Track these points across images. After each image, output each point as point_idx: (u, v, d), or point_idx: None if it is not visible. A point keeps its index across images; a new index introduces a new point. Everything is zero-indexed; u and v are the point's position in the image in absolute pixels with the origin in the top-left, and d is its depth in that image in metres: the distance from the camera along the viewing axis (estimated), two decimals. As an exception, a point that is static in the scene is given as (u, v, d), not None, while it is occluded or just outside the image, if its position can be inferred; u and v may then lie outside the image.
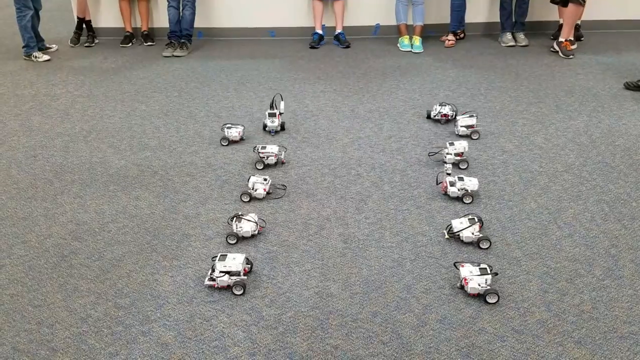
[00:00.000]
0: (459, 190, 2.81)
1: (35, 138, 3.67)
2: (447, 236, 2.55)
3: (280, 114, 3.62)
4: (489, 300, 2.15)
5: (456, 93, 4.28)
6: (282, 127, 3.64)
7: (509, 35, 5.48)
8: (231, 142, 3.51)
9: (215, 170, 3.19)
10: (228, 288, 2.24)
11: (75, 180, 3.13)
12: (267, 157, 3.19)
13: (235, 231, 2.55)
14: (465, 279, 2.19)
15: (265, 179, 2.90)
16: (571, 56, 4.99)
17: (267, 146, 3.21)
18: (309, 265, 2.39)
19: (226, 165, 3.24)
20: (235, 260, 2.26)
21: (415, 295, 2.21)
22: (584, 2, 4.95)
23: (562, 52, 5.05)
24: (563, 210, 2.75)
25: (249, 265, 2.34)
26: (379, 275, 2.32)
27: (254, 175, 2.93)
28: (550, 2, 5.18)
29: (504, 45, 5.45)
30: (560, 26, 5.53)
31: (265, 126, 3.65)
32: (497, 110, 3.96)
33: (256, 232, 2.58)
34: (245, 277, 2.27)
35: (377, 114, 3.93)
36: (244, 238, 2.56)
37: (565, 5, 4.99)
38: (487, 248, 2.47)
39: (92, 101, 4.29)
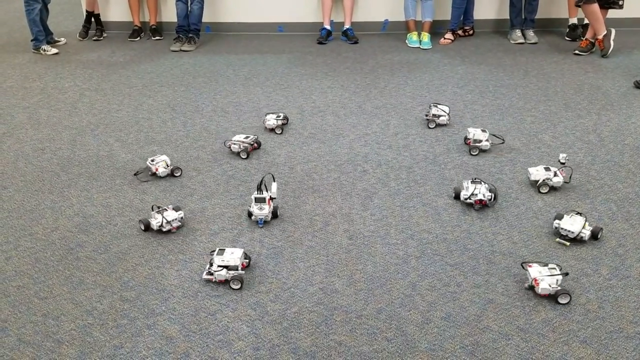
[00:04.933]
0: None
1: (42, 131, 3.69)
2: (563, 243, 2.46)
3: (272, 198, 2.68)
4: (561, 301, 2.11)
5: (464, 90, 4.26)
6: (275, 214, 2.68)
7: (518, 33, 5.44)
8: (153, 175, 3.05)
9: (222, 165, 3.19)
10: (226, 282, 2.24)
11: (82, 173, 3.14)
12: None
13: (148, 219, 2.59)
14: (536, 280, 2.14)
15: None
16: (607, 54, 4.90)
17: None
18: (314, 261, 2.39)
19: (232, 160, 3.24)
20: (233, 255, 2.26)
21: (420, 292, 2.21)
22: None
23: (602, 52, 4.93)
24: (570, 209, 2.72)
25: (247, 260, 2.34)
26: (383, 272, 2.32)
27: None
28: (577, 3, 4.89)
29: (513, 42, 5.42)
30: (573, 26, 5.47)
31: (250, 214, 2.66)
32: (506, 107, 3.93)
33: (165, 228, 2.57)
34: (243, 272, 2.27)
35: (384, 111, 3.92)
36: (151, 229, 2.59)
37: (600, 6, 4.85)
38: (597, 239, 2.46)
39: (99, 95, 4.31)
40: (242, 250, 2.31)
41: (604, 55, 4.89)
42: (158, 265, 2.38)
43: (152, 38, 5.79)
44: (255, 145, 3.32)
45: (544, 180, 2.84)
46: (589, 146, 3.35)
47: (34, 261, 2.43)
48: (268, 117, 3.62)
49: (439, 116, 3.61)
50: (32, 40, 5.33)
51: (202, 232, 2.59)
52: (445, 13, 5.60)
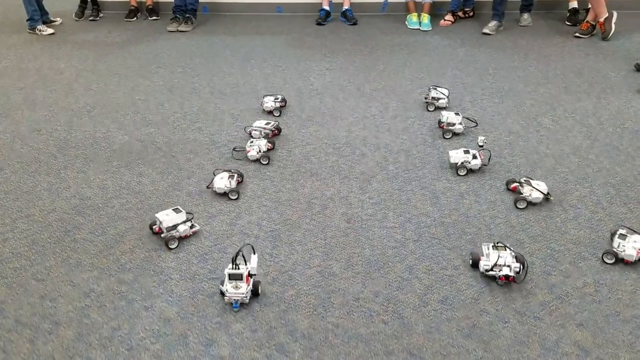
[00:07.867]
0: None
1: (39, 112, 3.66)
2: None
3: (251, 275, 2.07)
4: None
5: (464, 72, 4.23)
6: (256, 292, 2.09)
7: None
8: None
9: (219, 148, 3.18)
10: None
11: (79, 155, 3.13)
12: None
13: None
14: None
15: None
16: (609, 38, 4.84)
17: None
18: (312, 244, 2.39)
19: (230, 143, 3.23)
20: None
21: (418, 275, 2.21)
22: None
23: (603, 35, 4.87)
24: (569, 192, 2.72)
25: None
26: (381, 256, 2.32)
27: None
28: None
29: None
30: (574, 10, 5.40)
31: (223, 294, 2.07)
32: (505, 90, 3.91)
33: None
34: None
35: (383, 93, 3.89)
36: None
37: None
38: None
39: (96, 76, 4.27)
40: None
41: (604, 38, 4.85)
42: (155, 247, 2.38)
43: (149, 18, 5.73)
44: (276, 131, 3.26)
45: (462, 162, 2.85)
46: (588, 129, 3.34)
47: (30, 243, 2.42)
48: (266, 99, 3.59)
49: (438, 99, 3.58)
50: (27, 20, 5.28)
51: (199, 215, 2.59)
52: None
